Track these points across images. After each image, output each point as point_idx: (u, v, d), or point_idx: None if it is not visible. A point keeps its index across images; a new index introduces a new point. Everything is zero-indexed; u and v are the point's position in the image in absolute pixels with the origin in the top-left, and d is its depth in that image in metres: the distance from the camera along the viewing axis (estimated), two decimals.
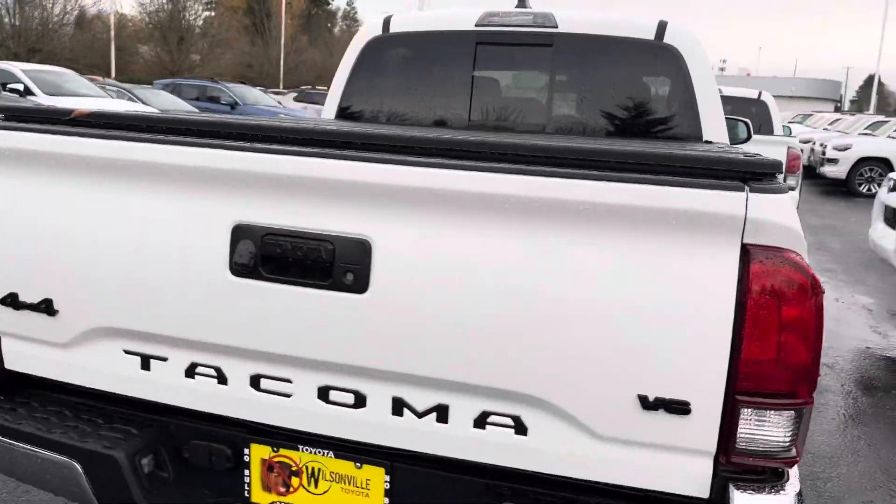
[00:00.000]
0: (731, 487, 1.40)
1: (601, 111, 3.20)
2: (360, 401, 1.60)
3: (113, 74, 33.23)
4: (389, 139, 1.52)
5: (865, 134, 19.39)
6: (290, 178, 1.53)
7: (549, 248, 1.42)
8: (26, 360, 1.88)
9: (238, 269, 1.58)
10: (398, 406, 1.58)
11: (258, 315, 1.59)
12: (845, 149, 16.74)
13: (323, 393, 1.63)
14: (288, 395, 1.65)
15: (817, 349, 1.36)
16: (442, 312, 1.48)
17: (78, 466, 1.74)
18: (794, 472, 1.46)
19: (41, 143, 1.72)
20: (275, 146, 1.55)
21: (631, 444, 1.45)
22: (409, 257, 1.49)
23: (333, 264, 1.52)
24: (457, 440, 1.56)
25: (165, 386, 1.75)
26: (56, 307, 1.77)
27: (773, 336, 1.34)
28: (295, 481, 1.75)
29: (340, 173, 1.49)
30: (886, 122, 20.77)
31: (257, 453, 1.77)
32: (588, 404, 1.45)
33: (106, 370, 1.80)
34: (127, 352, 1.76)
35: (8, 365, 1.90)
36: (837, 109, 46.89)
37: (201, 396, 1.73)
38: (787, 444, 1.40)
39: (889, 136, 17.80)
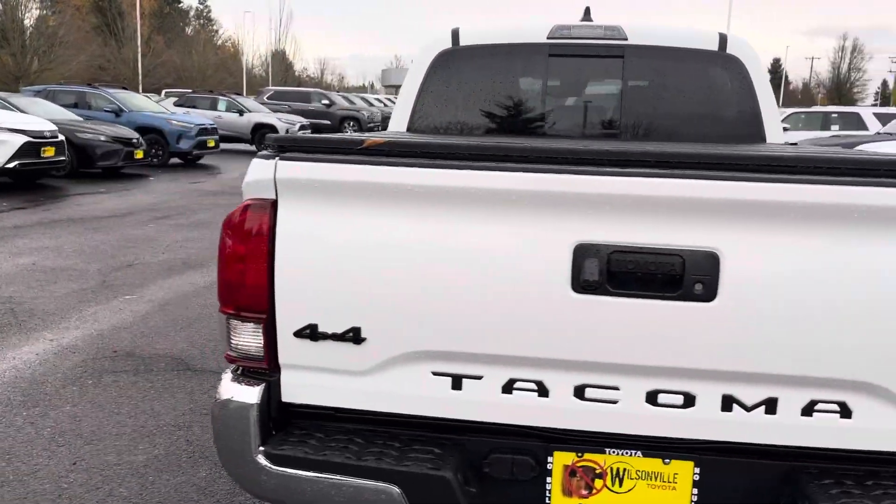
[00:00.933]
0: None
1: (673, 117, 3.45)
2: (689, 401, 1.73)
3: None
4: (727, 158, 1.66)
5: None
6: (635, 199, 1.64)
7: (873, 248, 1.62)
8: (310, 390, 1.85)
9: (583, 286, 1.66)
10: (727, 402, 1.73)
11: (598, 328, 1.69)
12: None
13: (651, 397, 1.74)
14: (614, 402, 1.76)
15: None
16: (781, 314, 1.64)
17: (397, 490, 1.75)
18: None
19: (350, 173, 1.71)
20: (612, 168, 1.65)
21: None
22: (752, 266, 1.64)
23: (683, 276, 1.64)
24: (782, 428, 1.73)
25: (477, 403, 1.80)
26: (364, 335, 1.77)
27: None
28: (598, 483, 1.85)
29: (688, 192, 1.62)
30: None
31: (560, 460, 1.85)
32: None
33: (410, 394, 1.81)
34: (436, 374, 1.79)
35: (286, 398, 1.87)
36: None
37: (515, 411, 1.79)
38: None
39: None
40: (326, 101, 27.78)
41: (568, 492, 1.87)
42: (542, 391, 1.77)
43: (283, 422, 1.90)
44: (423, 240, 1.72)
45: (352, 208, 1.74)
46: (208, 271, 6.91)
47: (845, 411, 1.71)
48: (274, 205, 1.76)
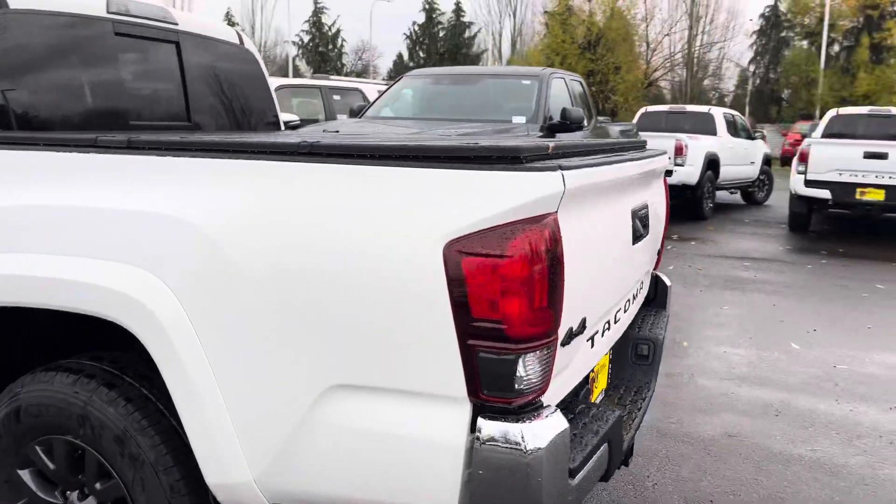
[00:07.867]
0: None
1: (214, 104, 3.47)
2: None
3: None
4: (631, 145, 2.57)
5: None
6: (646, 173, 2.40)
7: None
8: (552, 393, 1.82)
9: (636, 237, 2.32)
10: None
11: (635, 264, 2.39)
12: None
13: (626, 305, 2.55)
14: (626, 311, 2.48)
15: None
16: None
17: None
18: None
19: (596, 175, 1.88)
20: (637, 154, 2.35)
21: None
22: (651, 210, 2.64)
23: (647, 219, 2.50)
24: None
25: (596, 351, 2.19)
26: (587, 322, 1.91)
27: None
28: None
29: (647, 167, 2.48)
30: None
31: (601, 363, 2.42)
32: None
33: (580, 363, 2.03)
34: (588, 339, 2.07)
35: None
36: None
37: (600, 345, 2.25)
38: None
39: None
40: None
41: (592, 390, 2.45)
42: (615, 319, 2.34)
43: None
44: (594, 227, 1.95)
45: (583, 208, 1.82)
46: None
47: None
48: (556, 219, 1.64)
